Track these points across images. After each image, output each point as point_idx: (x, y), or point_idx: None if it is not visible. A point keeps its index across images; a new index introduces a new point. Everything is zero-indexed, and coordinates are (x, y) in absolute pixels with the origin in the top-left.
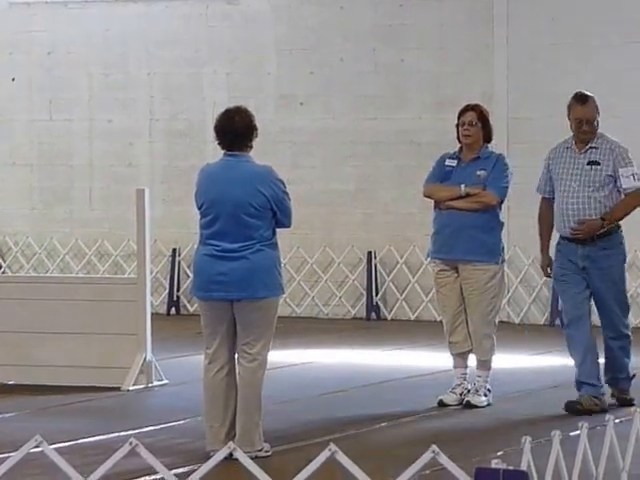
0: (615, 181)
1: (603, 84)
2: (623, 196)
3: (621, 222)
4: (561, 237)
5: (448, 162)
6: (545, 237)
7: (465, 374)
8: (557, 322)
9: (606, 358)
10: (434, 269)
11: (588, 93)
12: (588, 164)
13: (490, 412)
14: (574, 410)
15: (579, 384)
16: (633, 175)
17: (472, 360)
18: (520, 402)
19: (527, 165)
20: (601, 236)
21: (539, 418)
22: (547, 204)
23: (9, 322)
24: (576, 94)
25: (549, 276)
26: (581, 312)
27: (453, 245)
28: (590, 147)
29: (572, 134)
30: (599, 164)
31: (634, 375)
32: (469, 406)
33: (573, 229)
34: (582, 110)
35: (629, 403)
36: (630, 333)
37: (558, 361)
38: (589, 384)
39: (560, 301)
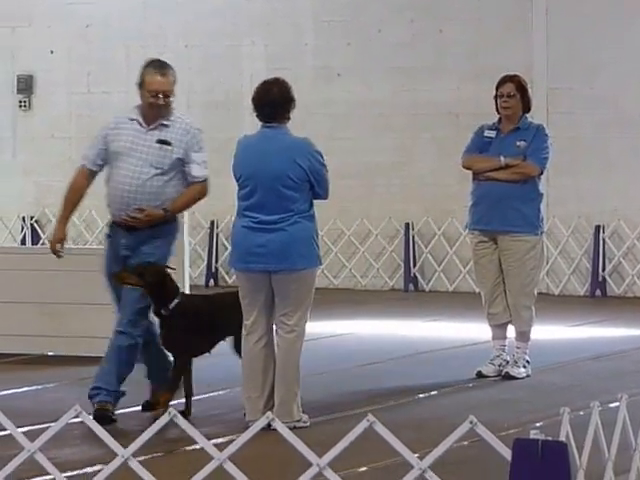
0: (184, 166)
1: None
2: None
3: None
4: (113, 221)
5: (487, 133)
6: (68, 208)
7: (504, 345)
8: (597, 293)
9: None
10: (472, 240)
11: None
12: (158, 142)
13: (529, 383)
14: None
15: None
16: (204, 162)
17: (511, 331)
18: (559, 373)
19: (567, 136)
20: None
21: (578, 389)
22: (88, 176)
23: (48, 293)
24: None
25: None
26: None
27: (492, 216)
28: (161, 123)
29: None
30: (170, 144)
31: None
32: (508, 377)
33: (130, 216)
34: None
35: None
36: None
37: (597, 332)
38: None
39: None
